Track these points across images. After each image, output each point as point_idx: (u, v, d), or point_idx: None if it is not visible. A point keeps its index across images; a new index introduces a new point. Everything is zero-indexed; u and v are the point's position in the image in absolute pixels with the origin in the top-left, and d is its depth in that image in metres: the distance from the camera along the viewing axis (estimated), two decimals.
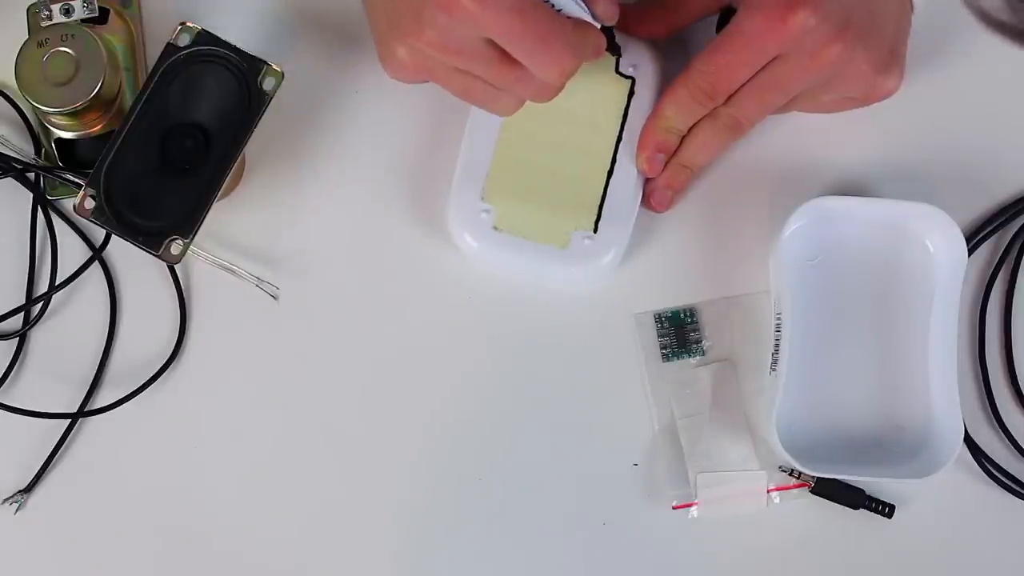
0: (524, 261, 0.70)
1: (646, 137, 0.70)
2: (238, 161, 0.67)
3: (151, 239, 0.66)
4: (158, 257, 0.66)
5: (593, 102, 0.71)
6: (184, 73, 0.66)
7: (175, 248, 0.66)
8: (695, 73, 0.68)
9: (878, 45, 0.66)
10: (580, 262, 0.70)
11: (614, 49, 0.71)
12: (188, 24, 0.66)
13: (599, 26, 0.66)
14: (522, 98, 0.65)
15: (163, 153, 0.66)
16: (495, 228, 0.69)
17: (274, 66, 0.66)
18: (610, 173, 0.70)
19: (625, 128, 0.71)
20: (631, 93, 0.71)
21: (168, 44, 0.66)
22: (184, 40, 0.66)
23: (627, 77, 0.71)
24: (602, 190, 0.70)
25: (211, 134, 0.66)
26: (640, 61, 0.72)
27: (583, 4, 0.64)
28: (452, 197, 0.70)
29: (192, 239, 0.66)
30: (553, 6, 0.63)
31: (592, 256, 0.70)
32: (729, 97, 0.68)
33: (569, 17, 0.63)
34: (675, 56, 0.71)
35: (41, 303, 0.71)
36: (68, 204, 0.72)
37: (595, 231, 0.70)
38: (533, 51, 0.61)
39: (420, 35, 0.60)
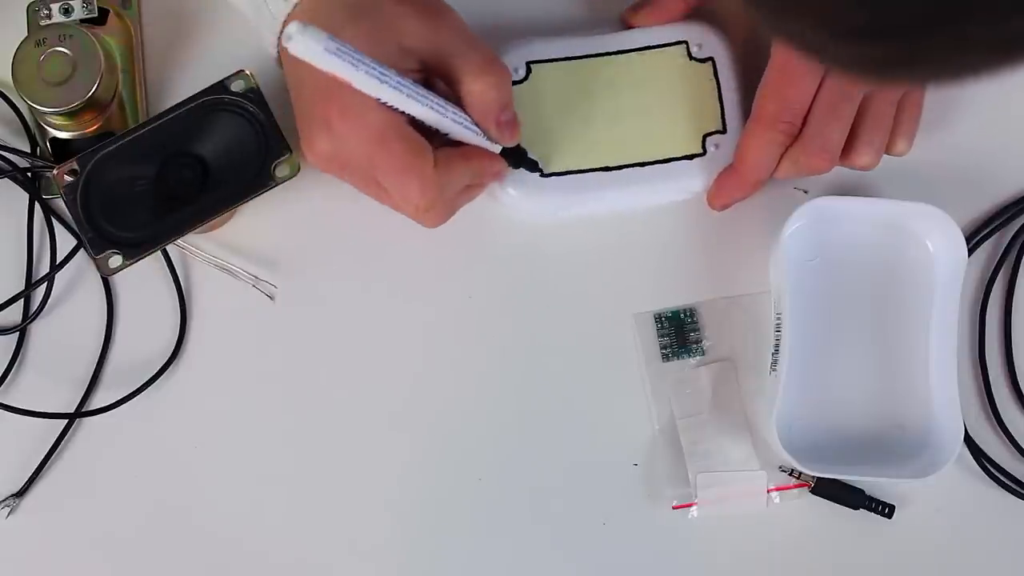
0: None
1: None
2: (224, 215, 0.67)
3: (99, 240, 0.65)
4: (93, 260, 0.65)
5: (671, 139, 0.71)
6: (217, 112, 0.66)
7: (113, 262, 0.65)
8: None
9: None
10: (513, 175, 0.69)
11: (531, 166, 0.69)
12: (248, 73, 0.66)
13: (498, 149, 0.66)
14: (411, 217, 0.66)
15: (159, 171, 0.66)
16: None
17: (295, 157, 0.66)
18: (606, 169, 0.70)
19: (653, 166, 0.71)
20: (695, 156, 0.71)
21: (220, 82, 0.66)
22: (237, 86, 0.66)
23: (704, 151, 0.71)
24: (585, 168, 0.70)
25: (210, 176, 0.66)
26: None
27: (475, 129, 0.64)
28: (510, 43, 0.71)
29: (131, 263, 0.65)
30: (439, 131, 0.63)
31: (520, 186, 0.70)
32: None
33: (460, 142, 0.64)
34: None
35: (42, 295, 0.71)
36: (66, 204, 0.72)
37: (542, 175, 0.70)
38: (390, 180, 0.63)
39: (312, 145, 0.63)
